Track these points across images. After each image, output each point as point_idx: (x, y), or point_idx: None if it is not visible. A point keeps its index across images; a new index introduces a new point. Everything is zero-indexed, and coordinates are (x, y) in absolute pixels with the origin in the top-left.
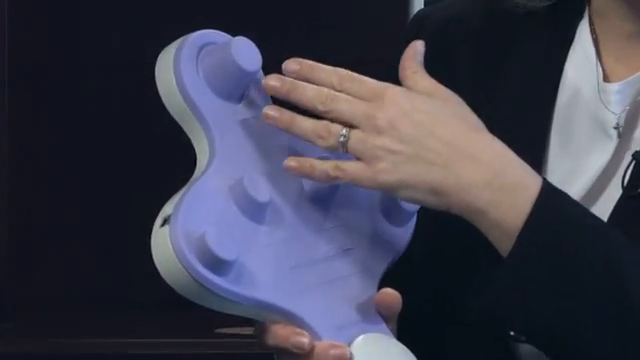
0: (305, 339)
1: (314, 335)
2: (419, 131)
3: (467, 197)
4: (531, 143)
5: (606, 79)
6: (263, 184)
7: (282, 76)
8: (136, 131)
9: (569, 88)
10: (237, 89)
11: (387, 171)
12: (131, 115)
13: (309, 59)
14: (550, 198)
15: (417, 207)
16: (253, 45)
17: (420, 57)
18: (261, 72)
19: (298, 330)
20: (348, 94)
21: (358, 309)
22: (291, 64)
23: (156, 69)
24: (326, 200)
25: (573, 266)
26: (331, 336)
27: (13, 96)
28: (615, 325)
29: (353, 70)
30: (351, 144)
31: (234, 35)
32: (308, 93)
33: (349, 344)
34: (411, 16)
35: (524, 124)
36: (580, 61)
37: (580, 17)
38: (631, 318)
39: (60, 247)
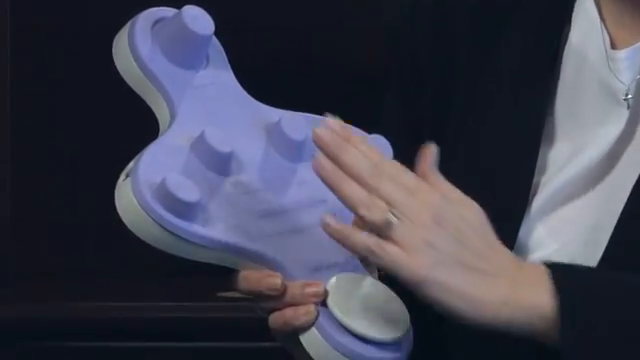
0: (277, 280)
1: (288, 277)
2: (460, 238)
3: (496, 308)
4: (535, 110)
5: (612, 45)
6: (225, 137)
7: (334, 133)
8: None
9: (575, 54)
10: (193, 55)
11: (427, 267)
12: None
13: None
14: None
15: None
16: (204, 11)
17: (435, 162)
18: (215, 39)
19: (270, 272)
20: (390, 179)
21: (335, 254)
22: (333, 124)
23: (113, 50)
24: (294, 156)
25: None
26: (306, 277)
27: (14, 87)
28: None
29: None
30: (399, 228)
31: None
32: (360, 162)
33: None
34: None
35: (527, 92)
36: (584, 26)
37: None
38: None
39: (61, 212)
